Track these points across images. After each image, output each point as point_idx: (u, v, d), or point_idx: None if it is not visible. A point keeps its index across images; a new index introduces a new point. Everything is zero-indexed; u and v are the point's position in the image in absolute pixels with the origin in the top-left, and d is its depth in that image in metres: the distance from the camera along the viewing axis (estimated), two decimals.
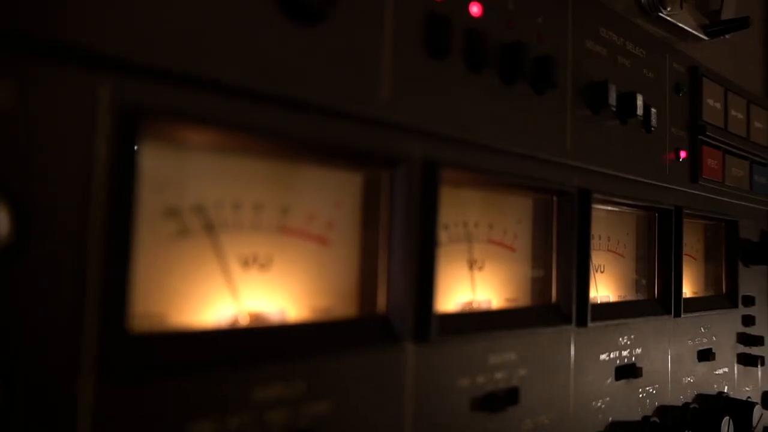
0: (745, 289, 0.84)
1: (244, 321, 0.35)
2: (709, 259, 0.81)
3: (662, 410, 0.65)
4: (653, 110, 0.62)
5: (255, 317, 0.36)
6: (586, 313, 0.54)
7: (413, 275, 0.40)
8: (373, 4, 0.37)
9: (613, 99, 0.55)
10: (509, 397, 0.47)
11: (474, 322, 0.45)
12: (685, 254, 0.77)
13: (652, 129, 0.62)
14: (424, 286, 0.40)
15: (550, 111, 0.50)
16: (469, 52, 0.43)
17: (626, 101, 0.58)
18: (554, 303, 0.53)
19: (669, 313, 0.66)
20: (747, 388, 0.83)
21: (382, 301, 0.40)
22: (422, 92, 0.40)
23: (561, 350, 0.52)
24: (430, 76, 0.41)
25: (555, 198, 0.54)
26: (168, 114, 0.30)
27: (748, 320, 0.83)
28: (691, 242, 0.78)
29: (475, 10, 0.44)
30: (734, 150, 0.78)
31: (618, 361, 0.59)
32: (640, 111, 0.58)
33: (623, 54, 0.59)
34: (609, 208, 0.63)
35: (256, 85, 0.32)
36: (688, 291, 0.76)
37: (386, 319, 0.39)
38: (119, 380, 0.28)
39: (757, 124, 0.84)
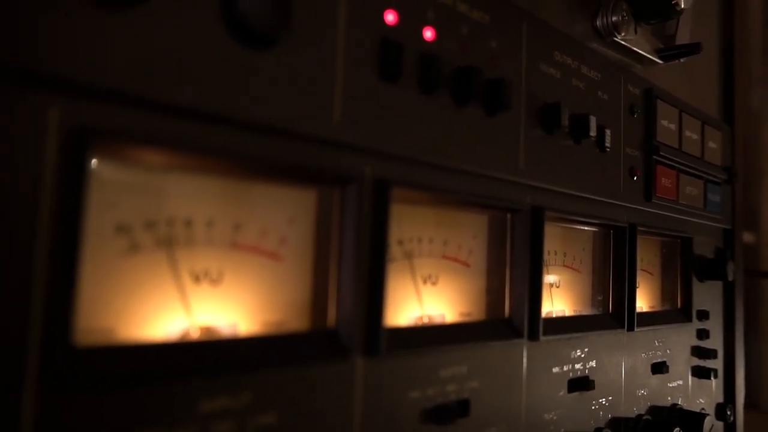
0: (700, 303, 0.87)
1: (194, 335, 0.36)
2: (665, 275, 0.83)
3: (615, 422, 0.67)
4: (607, 131, 0.64)
5: (206, 331, 0.37)
6: (538, 327, 0.55)
7: (364, 291, 0.42)
8: (326, 29, 0.39)
9: (565, 120, 0.57)
10: (460, 409, 0.48)
11: (425, 336, 0.47)
12: (642, 270, 0.79)
13: (607, 149, 0.65)
14: (374, 301, 0.42)
15: (503, 131, 0.52)
16: (422, 75, 0.45)
17: (579, 122, 0.60)
18: (507, 317, 0.54)
19: (623, 327, 0.68)
20: (701, 400, 0.85)
21: (332, 316, 0.41)
22: (374, 114, 0.42)
23: (513, 363, 0.54)
24: (382, 99, 0.42)
25: (509, 215, 0.55)
26: (117, 135, 0.31)
27: (702, 334, 0.86)
28: (648, 258, 0.80)
29: (428, 34, 0.46)
30: (688, 169, 0.80)
31: (571, 374, 0.61)
32: (593, 132, 0.60)
33: (577, 77, 0.62)
34: (565, 225, 0.65)
35: (206, 107, 0.33)
36: (644, 305, 0.79)
37: (335, 333, 0.40)
38: (63, 393, 0.28)
39: (712, 145, 0.87)
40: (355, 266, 0.41)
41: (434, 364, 0.47)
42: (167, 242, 0.35)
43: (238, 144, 0.36)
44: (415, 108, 0.45)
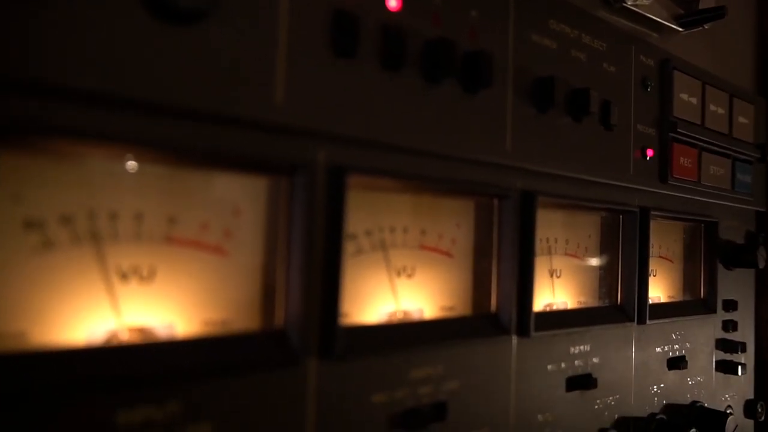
0: (727, 293, 0.80)
1: (121, 337, 0.33)
2: (687, 262, 0.77)
3: (623, 422, 0.62)
4: (614, 107, 0.59)
5: (138, 333, 0.34)
6: (529, 322, 0.51)
7: (318, 287, 0.38)
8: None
9: (561, 96, 0.52)
10: (435, 412, 0.44)
11: (392, 335, 0.43)
12: (661, 257, 0.73)
13: (613, 127, 0.59)
14: (329, 298, 0.38)
15: (485, 110, 0.47)
16: (384, 50, 0.41)
17: (579, 98, 0.54)
18: (493, 312, 0.50)
19: (632, 320, 0.63)
20: (726, 397, 0.79)
21: (280, 315, 0.38)
22: (326, 94, 0.38)
23: (499, 361, 0.50)
24: (336, 77, 0.38)
25: (496, 201, 0.51)
26: (20, 125, 0.28)
27: (729, 325, 0.79)
28: (667, 244, 0.74)
29: (392, 3, 0.41)
30: (713, 147, 0.74)
31: (570, 372, 0.57)
32: (594, 108, 0.55)
33: (577, 47, 0.56)
34: (567, 210, 0.60)
35: (116, 91, 0.30)
36: (662, 295, 0.73)
37: (283, 333, 0.37)
38: None
39: (742, 120, 0.79)
40: (305, 260, 0.37)
41: (403, 365, 0.43)
42: (87, 237, 0.32)
43: (159, 132, 0.32)
44: (377, 86, 0.41)
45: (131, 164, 0.33)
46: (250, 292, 0.38)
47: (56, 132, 0.29)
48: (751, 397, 0.85)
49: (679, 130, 0.67)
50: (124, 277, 0.33)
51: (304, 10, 0.37)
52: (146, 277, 0.34)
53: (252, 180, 0.38)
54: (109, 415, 0.30)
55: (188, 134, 0.33)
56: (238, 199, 0.38)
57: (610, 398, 0.61)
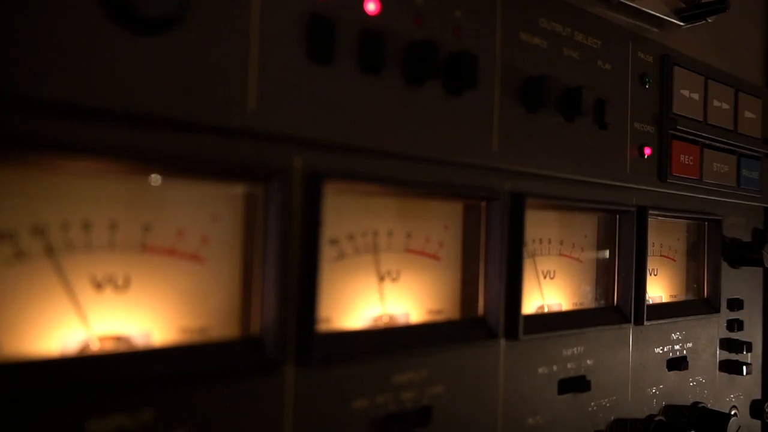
0: (733, 291, 0.79)
1: (94, 347, 0.33)
2: (691, 261, 0.76)
3: (619, 423, 0.61)
4: (609, 105, 0.58)
5: (113, 341, 0.34)
6: (518, 325, 0.50)
7: (295, 293, 0.38)
8: (235, 7, 0.35)
9: (550, 96, 0.51)
10: (419, 417, 0.44)
11: (376, 340, 0.43)
12: (662, 255, 0.72)
13: (607, 126, 0.58)
14: (305, 304, 0.38)
15: (470, 112, 0.47)
16: (363, 54, 0.40)
17: (570, 97, 0.54)
18: (480, 316, 0.50)
19: (628, 321, 0.62)
20: (731, 397, 0.78)
21: (256, 322, 0.38)
22: (302, 100, 0.38)
23: (486, 365, 0.49)
24: (312, 82, 0.38)
25: (483, 204, 0.50)
26: None
27: (734, 325, 0.78)
28: (669, 242, 0.73)
29: (371, 7, 0.41)
30: (716, 143, 0.72)
31: (562, 374, 0.56)
32: (587, 107, 0.54)
33: (570, 45, 0.55)
34: (562, 211, 0.59)
35: (91, 103, 0.30)
36: (664, 295, 0.72)
37: (259, 340, 0.37)
38: None
39: (749, 114, 0.77)
40: (280, 267, 0.37)
41: (386, 369, 0.43)
42: (60, 248, 0.32)
43: (130, 142, 0.32)
44: (356, 90, 0.40)
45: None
46: (228, 299, 0.38)
47: (26, 144, 0.30)
48: (759, 397, 0.83)
49: (679, 127, 0.65)
50: (98, 286, 0.34)
51: (277, 16, 0.37)
52: (121, 285, 0.34)
53: (229, 186, 0.38)
54: (81, 424, 0.31)
55: (161, 143, 0.34)
56: (216, 205, 0.38)
57: (605, 400, 0.60)
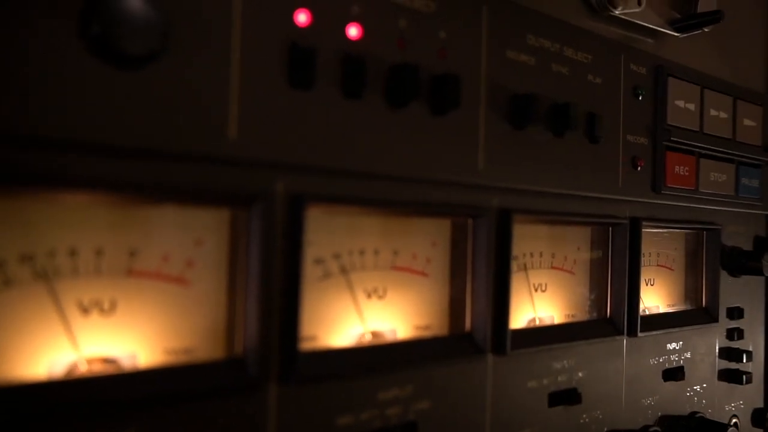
0: (733, 300, 0.78)
1: (82, 369, 0.35)
2: (690, 270, 0.75)
3: None
4: (599, 120, 0.58)
5: (101, 364, 0.36)
6: (505, 340, 0.51)
7: (277, 313, 0.39)
8: (215, 39, 0.36)
9: (538, 112, 0.52)
10: None
11: (360, 357, 0.44)
12: (659, 265, 0.72)
13: (599, 139, 0.58)
14: (287, 325, 0.39)
15: (454, 131, 0.47)
16: (345, 79, 0.41)
17: (559, 113, 0.54)
18: (467, 331, 0.51)
19: (621, 333, 0.62)
20: (732, 406, 0.78)
21: (239, 342, 0.39)
22: (283, 126, 0.39)
23: (473, 380, 0.50)
24: (293, 108, 0.39)
25: (471, 221, 0.51)
26: None
27: (734, 333, 0.77)
28: (667, 252, 0.73)
29: (353, 32, 0.42)
30: (713, 153, 0.72)
31: (553, 387, 0.56)
32: (575, 122, 0.54)
33: (559, 61, 0.56)
34: (552, 225, 0.60)
35: (80, 136, 0.31)
36: (661, 305, 0.72)
37: (242, 360, 0.38)
38: None
39: (748, 122, 0.77)
40: (262, 288, 0.38)
41: (371, 386, 0.44)
42: (47, 274, 0.34)
43: (116, 172, 0.34)
44: (338, 114, 0.41)
45: None
46: (213, 321, 0.39)
47: (11, 178, 0.31)
48: (761, 405, 0.83)
49: (673, 138, 0.65)
50: (85, 311, 0.35)
51: (257, 45, 0.38)
52: (107, 309, 0.36)
53: (213, 211, 0.39)
54: None
55: (145, 173, 0.35)
56: (200, 229, 0.39)
57: (598, 412, 0.60)
